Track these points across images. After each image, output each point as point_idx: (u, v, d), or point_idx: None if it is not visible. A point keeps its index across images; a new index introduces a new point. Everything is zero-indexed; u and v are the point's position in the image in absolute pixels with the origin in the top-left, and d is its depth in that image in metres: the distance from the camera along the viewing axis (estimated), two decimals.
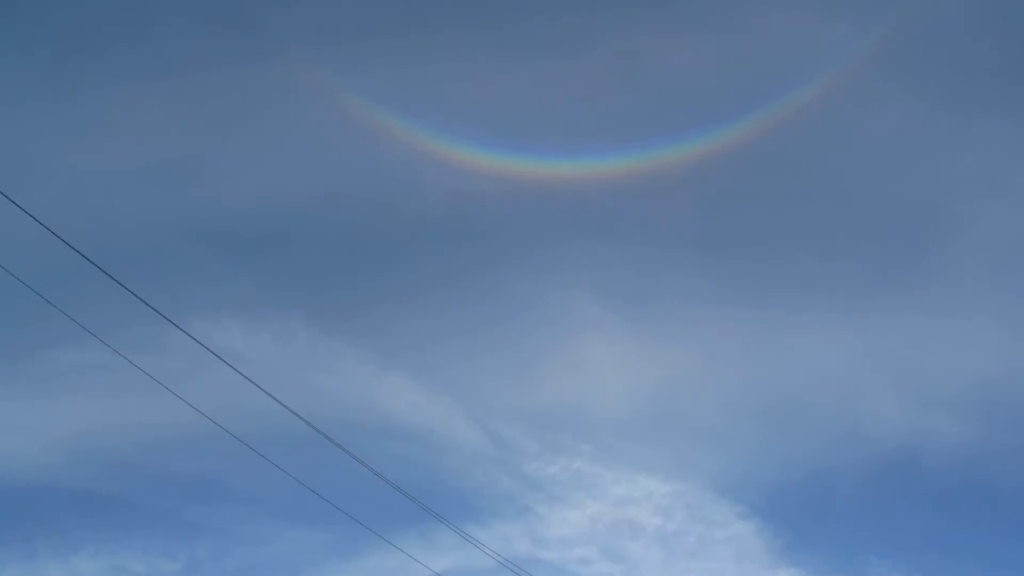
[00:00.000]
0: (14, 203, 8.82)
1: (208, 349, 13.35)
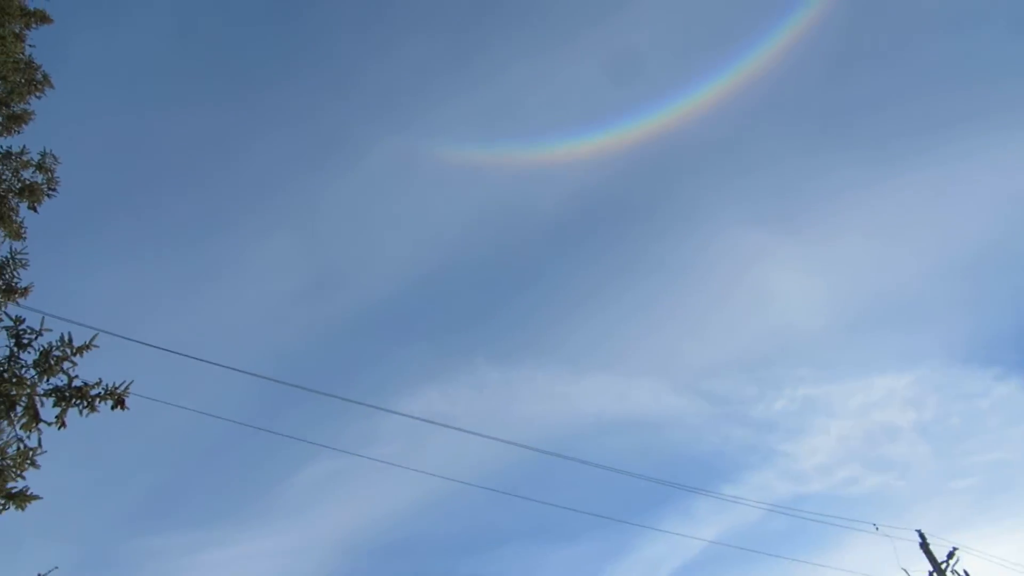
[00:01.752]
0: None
1: (423, 419, 14.11)
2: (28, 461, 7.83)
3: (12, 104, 11.69)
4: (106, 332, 8.50)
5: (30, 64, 11.95)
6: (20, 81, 11.88)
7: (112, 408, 8.00)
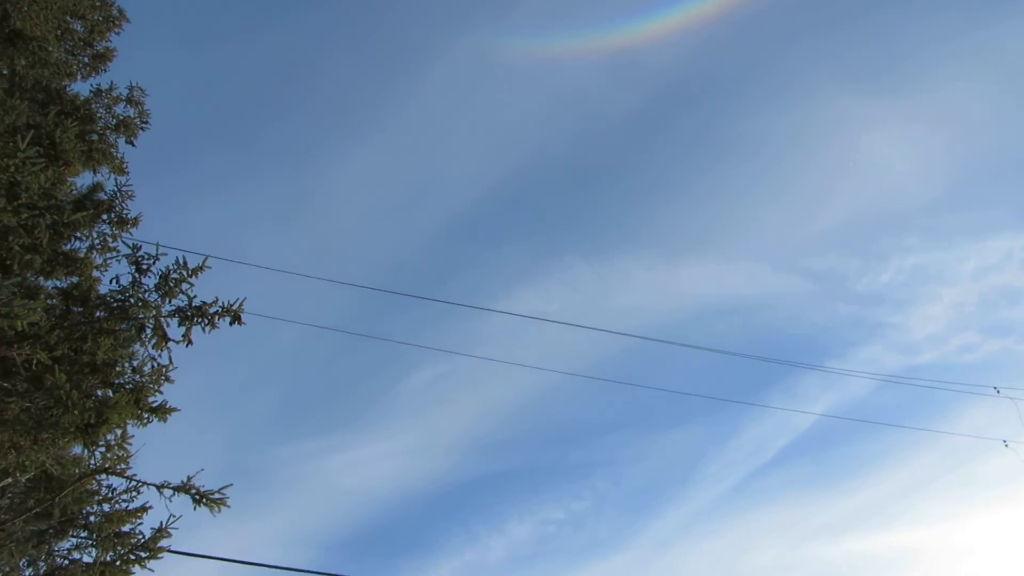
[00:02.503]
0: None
1: (526, 316, 14.69)
2: (163, 378, 8.43)
3: (95, 43, 12.00)
4: (215, 257, 8.88)
5: (104, 1, 12.15)
6: (98, 19, 12.13)
7: (230, 324, 8.46)
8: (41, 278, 9.66)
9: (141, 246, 8.24)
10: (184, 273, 8.17)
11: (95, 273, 9.50)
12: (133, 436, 8.17)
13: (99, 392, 8.25)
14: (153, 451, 9.33)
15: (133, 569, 9.07)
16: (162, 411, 8.54)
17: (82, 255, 9.16)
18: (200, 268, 8.26)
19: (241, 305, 8.49)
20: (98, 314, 7.99)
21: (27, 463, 8.01)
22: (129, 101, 11.35)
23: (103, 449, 7.85)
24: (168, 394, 8.80)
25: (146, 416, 8.47)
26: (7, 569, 8.21)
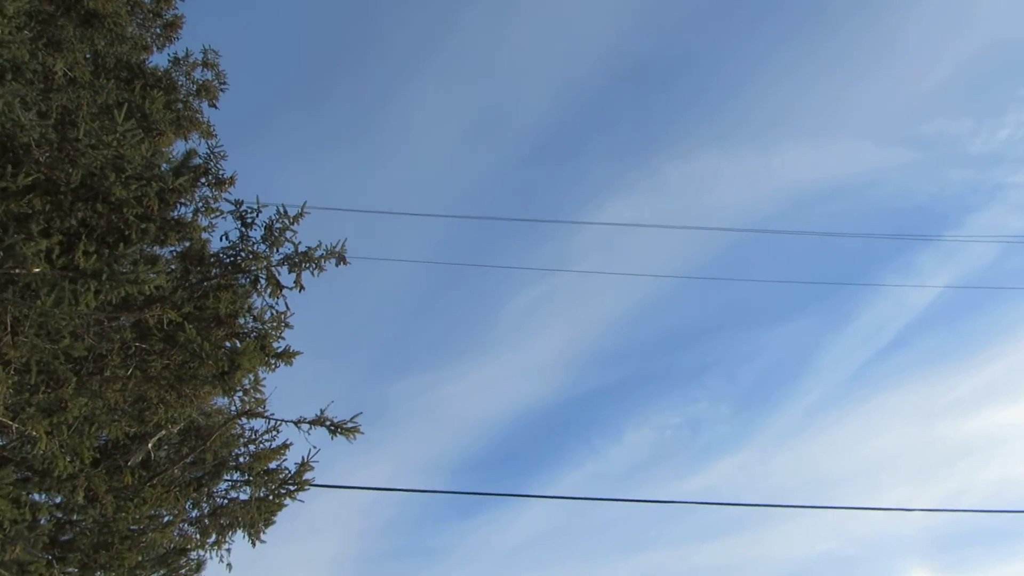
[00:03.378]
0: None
1: (619, 224, 14.81)
2: (283, 324, 8.86)
3: (163, 12, 12.26)
4: (313, 207, 9.10)
5: None
6: None
7: (336, 265, 8.74)
8: (156, 247, 10.22)
9: (243, 201, 8.56)
10: (286, 222, 8.45)
11: (204, 235, 9.96)
12: (265, 379, 8.67)
13: (227, 344, 8.75)
14: (283, 395, 9.87)
15: (285, 502, 9.78)
16: (287, 355, 9.01)
17: (189, 219, 9.60)
18: (300, 215, 8.52)
19: (344, 246, 8.75)
20: (214, 271, 8.41)
21: (176, 416, 8.64)
22: (205, 64, 11.61)
23: (240, 394, 8.37)
24: (289, 339, 9.26)
25: (273, 361, 8.96)
26: (176, 511, 9.00)
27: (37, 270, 6.73)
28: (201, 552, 9.83)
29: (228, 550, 9.83)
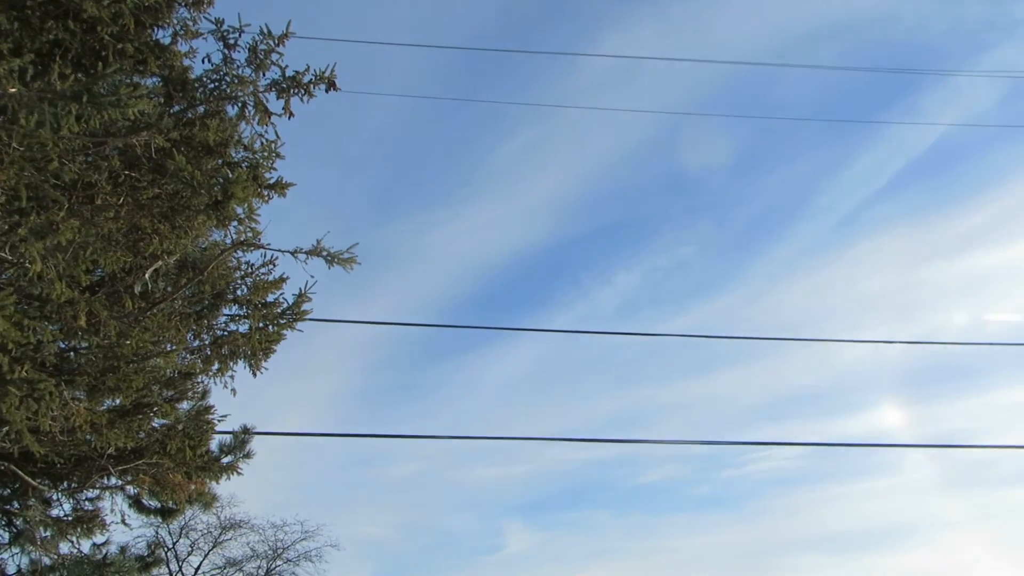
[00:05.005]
0: None
1: (618, 56, 13.73)
2: (274, 153, 8.63)
3: None
4: (299, 37, 8.60)
5: None
6: None
7: (326, 91, 8.40)
8: (137, 76, 9.77)
9: (224, 19, 8.08)
10: (271, 43, 8.02)
11: (185, 62, 9.50)
12: (259, 211, 8.57)
13: (219, 175, 8.57)
14: (278, 232, 9.79)
15: (284, 332, 9.97)
16: (279, 186, 8.85)
17: (168, 42, 9.12)
18: (285, 35, 8.08)
19: (333, 71, 8.36)
20: (198, 95, 8.08)
21: (171, 247, 8.60)
22: None
23: (236, 224, 8.30)
24: (282, 170, 9.07)
25: (266, 193, 8.82)
26: (177, 340, 9.18)
27: (13, 90, 6.42)
28: (205, 378, 10.14)
29: (232, 376, 10.13)
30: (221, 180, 7.82)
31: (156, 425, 10.06)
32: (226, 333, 10.32)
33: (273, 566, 29.86)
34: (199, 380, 10.22)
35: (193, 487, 12.67)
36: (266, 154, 8.56)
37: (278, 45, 8.08)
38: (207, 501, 13.87)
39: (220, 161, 8.26)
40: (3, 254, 7.01)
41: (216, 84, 8.31)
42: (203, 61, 8.38)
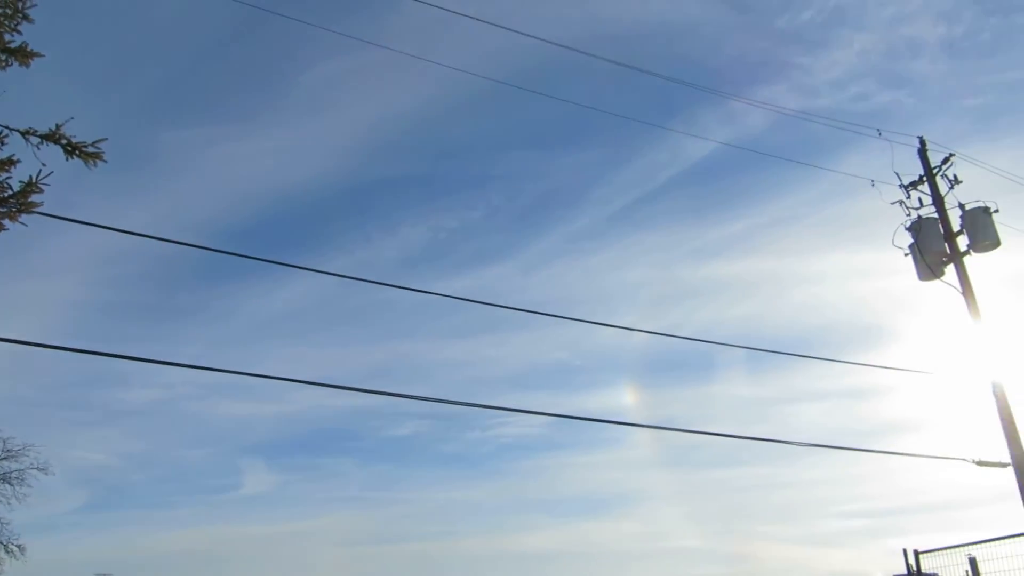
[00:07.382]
0: None
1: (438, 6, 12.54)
2: (20, 14, 7.45)
3: None
4: None
5: None
6: None
7: None
8: None
9: None
10: None
11: None
12: None
13: None
14: (17, 105, 8.51)
15: (4, 222, 8.70)
16: (22, 53, 7.65)
17: None
18: None
19: None
20: None
21: None
22: None
23: None
24: (31, 37, 7.86)
25: (3, 57, 7.59)
26: None
27: None
28: None
29: None
30: None
31: None
32: None
33: None
34: None
35: None
36: (11, 13, 7.36)
37: None
38: None
39: None
40: None
41: None
42: None
